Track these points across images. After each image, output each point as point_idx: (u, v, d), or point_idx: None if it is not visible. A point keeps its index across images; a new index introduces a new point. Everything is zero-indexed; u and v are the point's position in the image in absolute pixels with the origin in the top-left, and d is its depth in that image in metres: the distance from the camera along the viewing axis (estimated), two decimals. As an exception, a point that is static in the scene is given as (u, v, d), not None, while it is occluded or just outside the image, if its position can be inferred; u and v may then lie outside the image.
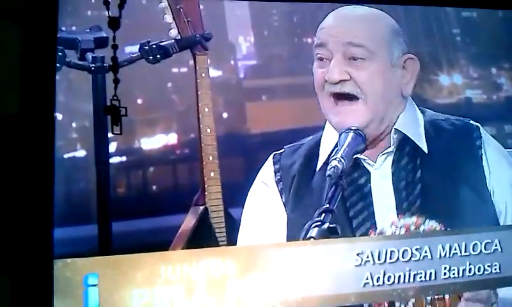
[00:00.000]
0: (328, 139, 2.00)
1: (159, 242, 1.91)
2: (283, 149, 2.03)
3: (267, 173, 2.03)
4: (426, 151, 1.97)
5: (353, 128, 1.91)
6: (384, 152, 1.97)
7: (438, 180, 1.97)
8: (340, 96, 1.93)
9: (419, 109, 2.06)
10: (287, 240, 1.93)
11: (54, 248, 1.71)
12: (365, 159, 1.96)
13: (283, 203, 1.98)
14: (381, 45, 1.93)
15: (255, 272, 1.72)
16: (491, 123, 2.43)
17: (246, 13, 2.30)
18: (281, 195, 1.99)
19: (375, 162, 1.97)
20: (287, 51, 2.30)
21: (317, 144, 2.02)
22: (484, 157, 2.01)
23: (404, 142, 1.98)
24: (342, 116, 1.93)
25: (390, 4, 2.14)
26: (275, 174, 2.01)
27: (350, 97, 1.92)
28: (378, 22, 1.98)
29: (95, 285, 1.63)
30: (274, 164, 2.03)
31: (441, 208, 1.94)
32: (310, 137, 2.05)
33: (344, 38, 1.92)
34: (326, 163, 1.92)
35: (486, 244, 1.90)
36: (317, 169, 1.97)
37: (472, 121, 2.07)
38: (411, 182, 1.96)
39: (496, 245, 1.91)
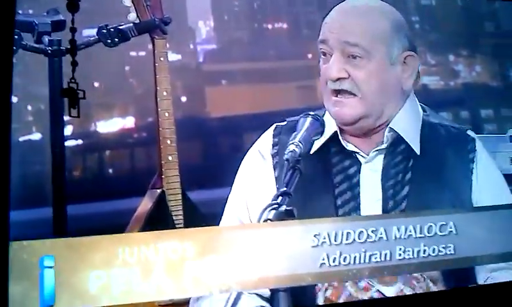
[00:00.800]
0: (329, 126, 1.97)
1: (115, 225, 1.91)
2: (285, 122, 2.00)
3: (265, 144, 2.01)
4: (418, 153, 1.96)
5: (311, 113, 1.92)
6: (377, 148, 1.96)
7: (426, 184, 1.96)
8: (339, 91, 1.94)
9: (421, 106, 2.05)
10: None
11: (10, 230, 1.70)
12: (358, 151, 1.98)
13: (275, 178, 1.96)
14: (379, 44, 1.90)
15: (212, 254, 1.73)
16: (448, 108, 2.49)
17: (206, -2, 2.32)
18: (274, 169, 1.96)
19: (367, 155, 1.98)
20: (247, 36, 2.32)
21: None
22: (474, 170, 1.99)
23: (398, 141, 1.97)
24: (339, 106, 1.92)
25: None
26: (273, 147, 1.99)
27: (348, 92, 1.93)
28: (378, 18, 1.93)
29: (50, 267, 1.62)
30: (274, 136, 2.00)
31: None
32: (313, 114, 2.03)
33: (341, 36, 1.89)
34: (321, 148, 1.95)
35: (441, 226, 1.91)
36: (311, 152, 1.98)
37: (469, 132, 2.05)
38: (400, 182, 1.95)
39: (451, 228, 1.91)
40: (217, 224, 1.93)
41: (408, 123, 1.98)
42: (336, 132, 1.96)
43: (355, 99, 1.91)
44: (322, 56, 1.96)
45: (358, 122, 1.93)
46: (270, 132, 2.02)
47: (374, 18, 1.94)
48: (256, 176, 1.99)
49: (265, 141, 2.02)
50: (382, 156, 1.97)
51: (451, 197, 1.98)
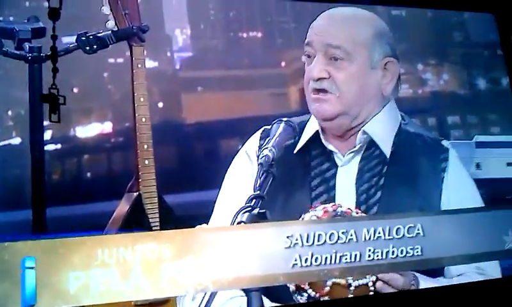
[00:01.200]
0: (311, 127, 2.06)
1: (93, 227, 1.94)
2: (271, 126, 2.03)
3: (251, 145, 2.08)
4: (388, 156, 2.03)
5: (284, 119, 1.98)
6: (351, 150, 2.03)
7: (398, 190, 2.03)
8: (319, 90, 2.00)
9: (401, 115, 2.11)
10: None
11: (-10, 232, 1.72)
12: (336, 153, 2.03)
13: None
14: (361, 47, 2.00)
15: (188, 255, 1.78)
16: (416, 116, 2.55)
17: (183, 6, 2.35)
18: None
19: (344, 157, 2.03)
20: (222, 44, 2.36)
21: (301, 128, 2.07)
22: (445, 180, 2.06)
23: (371, 144, 2.04)
24: (318, 104, 2.00)
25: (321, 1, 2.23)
26: (259, 149, 2.05)
27: (327, 91, 1.99)
28: (361, 25, 2.04)
29: (32, 268, 1.65)
30: (261, 139, 2.07)
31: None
32: (298, 119, 2.08)
33: (325, 39, 1.99)
34: (304, 147, 2.03)
35: (409, 228, 1.97)
36: (295, 151, 2.04)
37: (443, 142, 2.12)
38: (374, 186, 2.03)
39: (418, 230, 1.97)
40: (193, 226, 1.95)
41: (381, 127, 2.06)
42: (317, 131, 2.03)
43: (333, 96, 1.98)
44: (307, 58, 2.04)
45: (337, 118, 2.00)
46: (258, 134, 2.10)
47: (358, 24, 2.04)
48: (243, 176, 2.05)
49: (253, 143, 2.09)
50: (358, 159, 2.04)
51: (422, 204, 2.05)
